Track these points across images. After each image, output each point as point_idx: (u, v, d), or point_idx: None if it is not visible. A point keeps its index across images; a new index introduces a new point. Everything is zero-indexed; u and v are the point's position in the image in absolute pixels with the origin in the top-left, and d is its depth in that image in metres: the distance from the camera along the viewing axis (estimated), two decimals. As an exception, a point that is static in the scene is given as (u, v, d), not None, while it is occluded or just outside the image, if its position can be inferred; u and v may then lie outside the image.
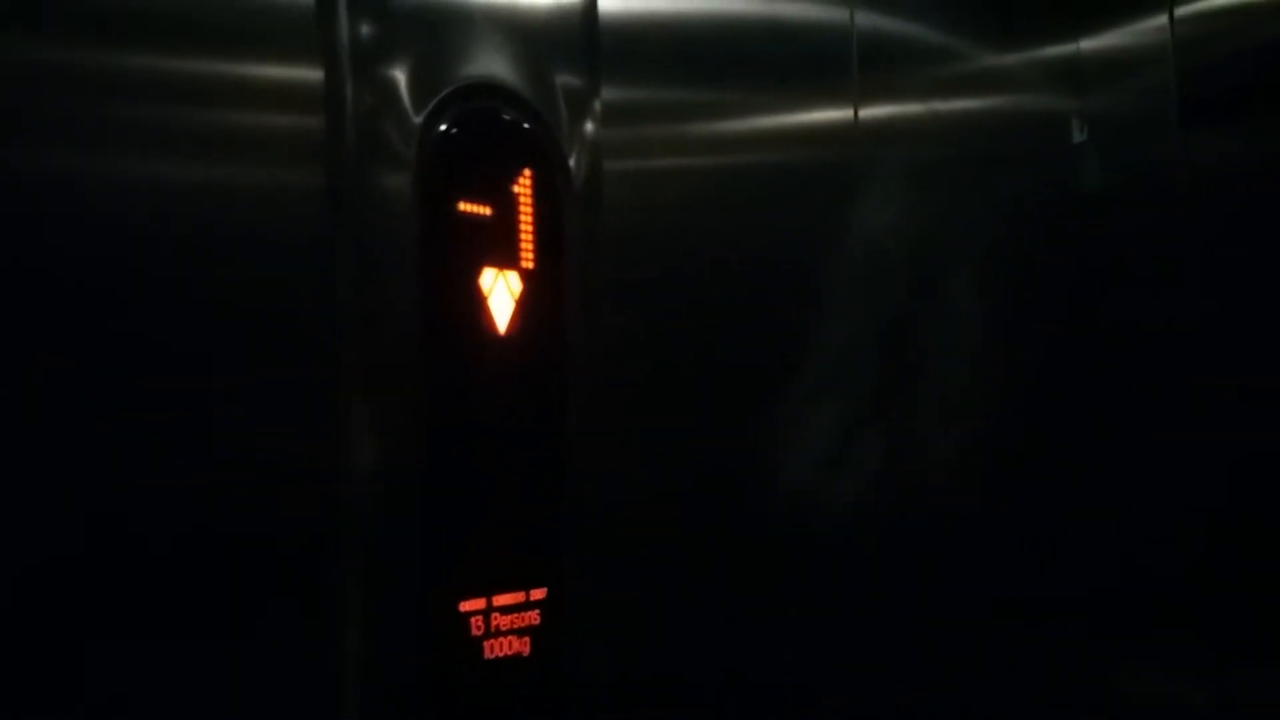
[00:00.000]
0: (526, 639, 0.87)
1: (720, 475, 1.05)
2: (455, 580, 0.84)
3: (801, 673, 1.10)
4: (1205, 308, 1.32)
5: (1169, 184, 1.33)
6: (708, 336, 1.04)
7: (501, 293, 0.87)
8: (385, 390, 0.81)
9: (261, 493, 0.75)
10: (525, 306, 0.88)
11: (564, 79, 0.94)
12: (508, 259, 0.87)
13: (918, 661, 1.18)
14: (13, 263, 0.66)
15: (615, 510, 0.95)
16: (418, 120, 0.84)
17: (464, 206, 0.85)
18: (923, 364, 1.25)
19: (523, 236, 0.88)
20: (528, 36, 0.91)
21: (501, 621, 0.85)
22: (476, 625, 0.84)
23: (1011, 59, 1.37)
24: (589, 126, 0.96)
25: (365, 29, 0.81)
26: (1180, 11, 1.33)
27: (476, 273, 0.85)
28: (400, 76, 0.83)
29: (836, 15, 1.17)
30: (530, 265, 0.88)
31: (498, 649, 0.85)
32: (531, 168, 0.89)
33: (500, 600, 0.86)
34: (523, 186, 0.88)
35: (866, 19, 1.19)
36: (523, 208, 0.88)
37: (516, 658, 0.86)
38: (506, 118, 0.89)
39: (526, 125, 0.90)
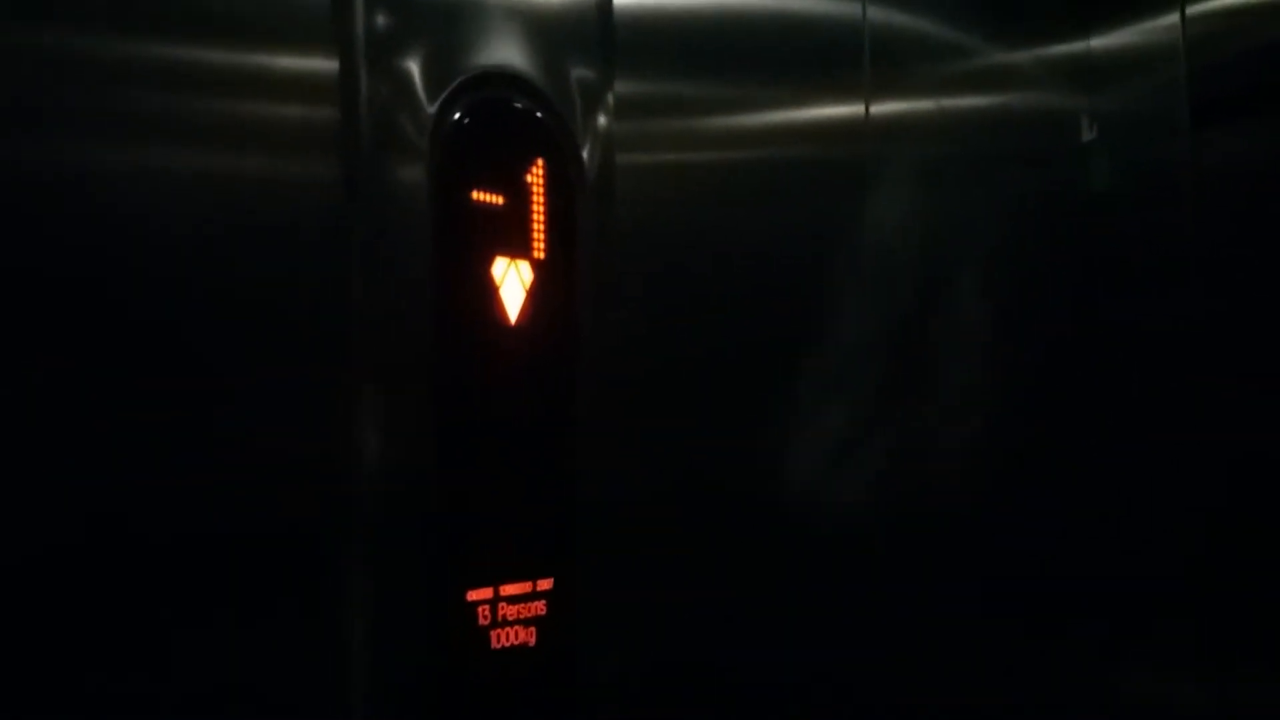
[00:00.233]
0: (533, 629, 0.87)
1: (728, 470, 1.05)
2: (463, 570, 0.84)
3: (805, 668, 1.10)
4: (1212, 308, 1.31)
5: (1178, 183, 1.33)
6: (716, 331, 1.04)
7: (513, 282, 0.87)
8: (395, 378, 0.81)
9: (270, 482, 0.75)
10: (536, 297, 0.88)
11: (578, 71, 0.94)
12: (520, 249, 0.87)
13: (919, 660, 1.18)
14: (29, 253, 0.66)
15: (622, 502, 0.95)
16: (431, 110, 0.84)
17: (477, 195, 0.85)
18: (930, 362, 1.25)
19: (535, 226, 0.88)
20: (542, 28, 0.91)
21: (508, 611, 0.86)
22: (484, 615, 0.84)
23: (1022, 56, 1.36)
24: (602, 119, 0.96)
25: (380, 19, 0.82)
26: (1192, 10, 1.33)
27: (489, 262, 0.85)
28: (415, 67, 0.83)
29: (849, 10, 1.17)
30: (542, 255, 0.89)
31: (504, 639, 0.85)
32: (544, 158, 0.89)
33: (507, 590, 0.86)
34: (535, 176, 0.89)
35: (879, 14, 1.19)
36: (535, 198, 0.88)
37: (523, 648, 0.86)
38: (519, 106, 0.89)
39: (540, 115, 0.90)
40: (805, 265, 1.13)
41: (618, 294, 0.95)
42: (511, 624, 0.86)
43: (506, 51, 0.89)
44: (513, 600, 0.86)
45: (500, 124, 0.88)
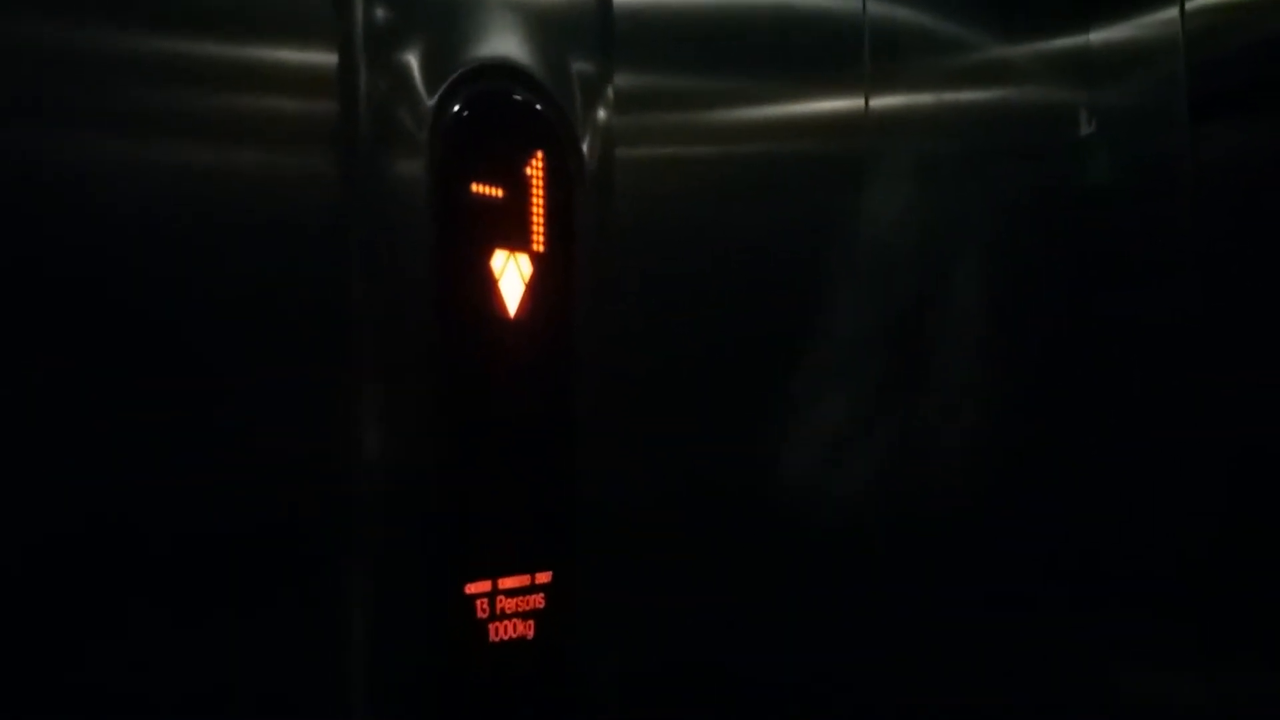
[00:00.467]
0: (531, 622, 0.87)
1: (727, 465, 1.05)
2: (461, 563, 0.84)
3: (804, 665, 1.10)
4: (1211, 303, 1.32)
5: (1177, 178, 1.33)
6: (715, 325, 1.04)
7: (512, 276, 0.87)
8: (394, 371, 0.81)
9: (268, 477, 0.75)
10: (535, 290, 0.88)
11: (577, 64, 0.94)
12: (519, 241, 0.87)
13: (919, 658, 1.19)
14: (22, 249, 0.66)
15: (621, 496, 0.95)
16: (430, 102, 0.84)
17: (477, 188, 0.85)
18: (928, 357, 1.25)
19: (534, 220, 0.88)
20: (542, 21, 0.91)
21: (507, 604, 0.86)
22: (482, 608, 0.84)
23: (1022, 50, 1.37)
24: (602, 113, 0.95)
25: (380, 12, 0.81)
26: (1191, 5, 1.33)
27: (488, 255, 0.85)
28: (414, 60, 0.83)
29: (849, 4, 1.17)
30: (541, 248, 0.88)
31: (502, 632, 0.85)
32: (544, 150, 0.89)
33: (506, 584, 0.86)
34: (535, 169, 0.88)
35: (879, 8, 1.19)
36: (535, 190, 0.88)
37: (521, 640, 0.86)
38: (519, 99, 0.89)
39: (539, 107, 0.90)
40: (804, 260, 1.13)
41: (617, 288, 0.95)
42: (510, 617, 0.86)
43: (506, 44, 0.89)
44: (511, 594, 0.86)
45: (500, 116, 0.88)
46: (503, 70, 0.88)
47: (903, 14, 1.22)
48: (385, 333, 0.81)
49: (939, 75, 1.26)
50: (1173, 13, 1.34)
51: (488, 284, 0.85)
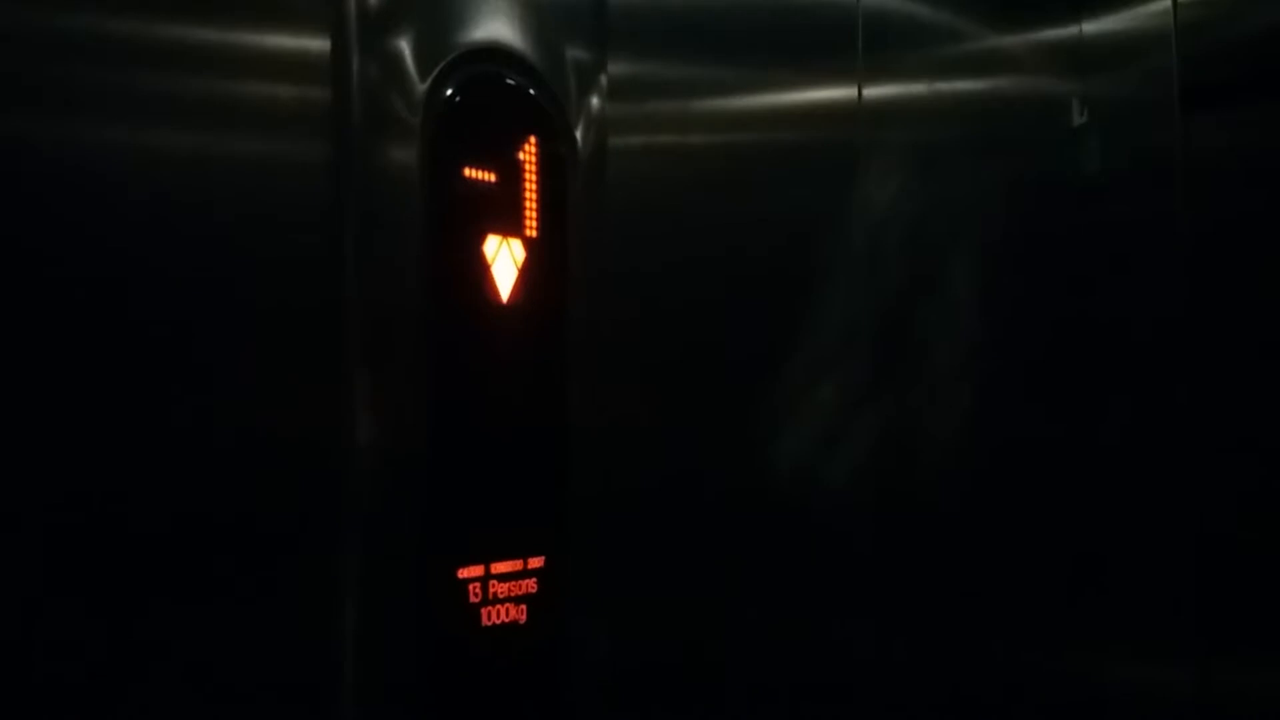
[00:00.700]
0: (524, 607, 0.87)
1: (720, 451, 1.06)
2: (454, 547, 0.84)
3: (797, 651, 1.11)
4: (1201, 294, 1.32)
5: (1169, 168, 1.34)
6: (708, 312, 1.04)
7: (505, 260, 0.87)
8: (387, 356, 0.81)
9: (260, 462, 0.75)
10: (528, 275, 0.88)
11: (571, 50, 0.94)
12: (512, 226, 0.87)
13: (908, 641, 1.19)
14: (5, 235, 0.65)
15: (614, 481, 0.95)
16: (423, 86, 0.83)
17: (469, 172, 0.85)
18: (920, 346, 1.25)
19: (527, 204, 0.88)
20: (536, 6, 0.91)
21: (499, 589, 0.86)
22: (474, 592, 0.84)
23: (1014, 40, 1.37)
24: (595, 99, 0.95)
25: (373, -2, 0.81)
26: (1184, -4, 1.34)
27: (481, 240, 0.85)
28: (407, 45, 0.83)
29: (843, -8, 1.17)
30: (534, 234, 0.88)
31: (495, 616, 0.85)
32: (537, 135, 0.89)
33: (498, 568, 0.86)
34: (528, 154, 0.88)
35: (872, -3, 1.19)
36: (527, 175, 0.88)
37: (513, 625, 0.87)
38: (512, 83, 0.89)
39: (533, 91, 0.90)
40: (796, 249, 1.13)
41: (609, 273, 0.96)
42: (502, 602, 0.86)
43: (499, 29, 0.89)
44: (504, 578, 0.86)
45: (493, 100, 0.88)
46: (496, 54, 0.88)
47: (895, 3, 1.22)
48: (377, 318, 0.81)
49: (932, 65, 1.26)
50: (1165, 4, 1.35)
51: (480, 269, 0.85)
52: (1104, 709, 1.37)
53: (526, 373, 0.89)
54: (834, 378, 1.15)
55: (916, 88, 1.25)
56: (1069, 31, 1.42)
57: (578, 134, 0.94)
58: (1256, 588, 1.28)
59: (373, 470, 0.80)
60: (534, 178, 0.89)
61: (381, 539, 0.80)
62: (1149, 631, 1.36)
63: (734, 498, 1.06)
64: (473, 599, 0.84)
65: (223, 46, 0.74)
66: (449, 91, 0.85)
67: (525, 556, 0.88)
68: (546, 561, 0.89)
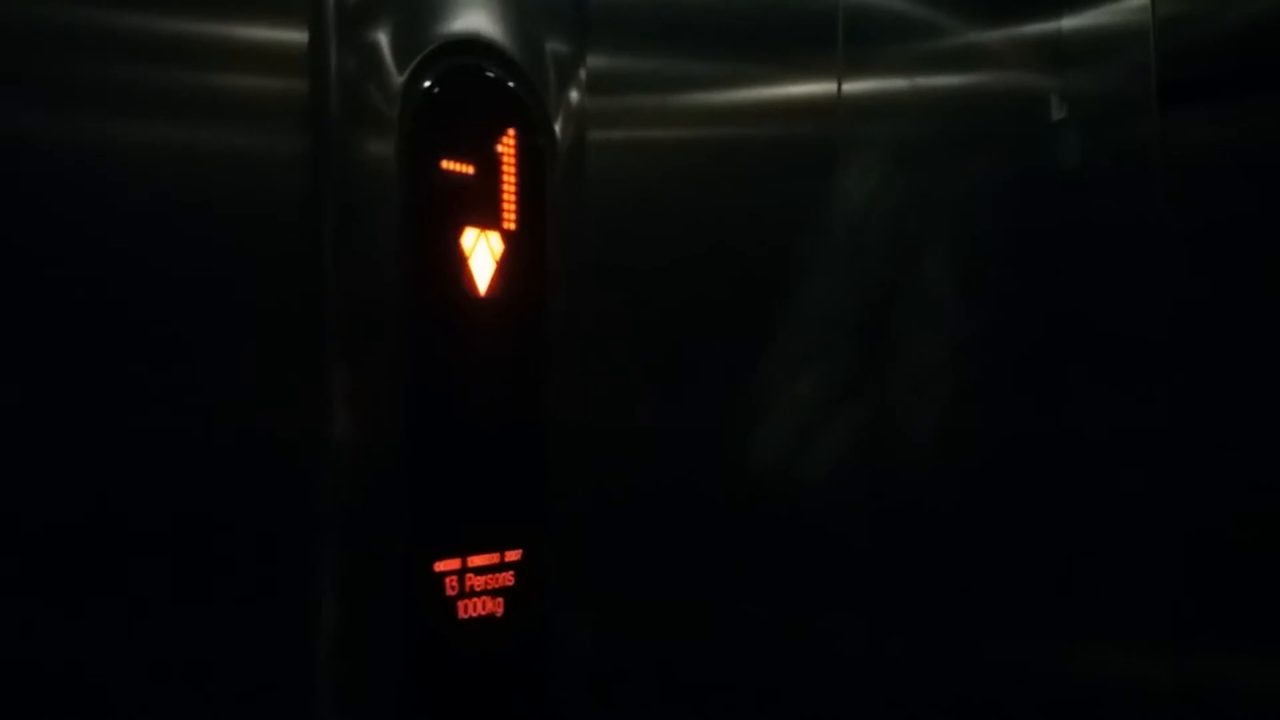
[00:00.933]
0: (500, 600, 0.87)
1: (700, 445, 1.06)
2: (431, 540, 0.84)
3: (778, 647, 1.11)
4: (1180, 289, 1.33)
5: (1147, 164, 1.34)
6: (687, 306, 1.05)
7: (483, 253, 0.86)
8: (364, 349, 0.81)
9: (235, 456, 0.74)
10: (506, 268, 0.88)
11: (551, 43, 0.94)
12: (490, 219, 0.87)
13: (894, 638, 1.20)
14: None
15: (597, 475, 0.95)
16: (401, 78, 0.83)
17: (447, 165, 0.84)
18: (900, 341, 1.25)
19: (505, 197, 0.88)
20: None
21: (476, 582, 0.86)
22: (451, 585, 0.84)
23: (994, 36, 1.37)
24: (574, 93, 0.95)
25: (351, -11, 0.81)
26: (1162, -9, 1.34)
27: (459, 233, 0.85)
28: (385, 37, 0.83)
29: (823, -13, 1.17)
30: (512, 227, 0.88)
31: (472, 609, 0.85)
32: (515, 127, 0.89)
33: (475, 561, 0.86)
34: (506, 147, 0.88)
35: (852, -9, 1.19)
36: (506, 168, 0.88)
37: (490, 618, 0.87)
38: (491, 75, 0.89)
39: (511, 84, 0.89)
40: (776, 244, 1.13)
41: (589, 267, 0.95)
42: (479, 595, 0.86)
43: (478, 21, 0.88)
44: (480, 571, 0.86)
45: (471, 92, 0.88)
46: (475, 46, 0.88)
47: (875, -2, 1.23)
48: (354, 311, 0.81)
49: (911, 60, 1.26)
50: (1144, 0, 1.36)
51: (458, 261, 0.85)
52: (1092, 704, 1.38)
53: (505, 366, 0.89)
54: (817, 371, 1.16)
55: (897, 82, 1.25)
56: (1049, 27, 1.42)
57: (557, 127, 0.93)
58: (1247, 584, 1.29)
59: (351, 464, 0.80)
60: (513, 170, 0.88)
61: (360, 533, 0.80)
62: (1136, 627, 1.37)
63: (719, 492, 1.07)
64: (449, 592, 0.84)
65: (199, 38, 0.73)
66: (427, 83, 0.84)
67: (502, 550, 0.88)
68: (524, 555, 0.89)
